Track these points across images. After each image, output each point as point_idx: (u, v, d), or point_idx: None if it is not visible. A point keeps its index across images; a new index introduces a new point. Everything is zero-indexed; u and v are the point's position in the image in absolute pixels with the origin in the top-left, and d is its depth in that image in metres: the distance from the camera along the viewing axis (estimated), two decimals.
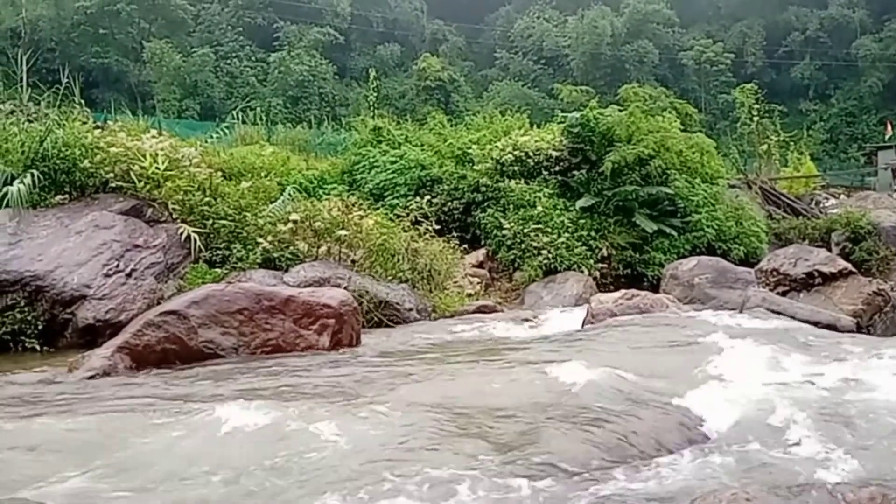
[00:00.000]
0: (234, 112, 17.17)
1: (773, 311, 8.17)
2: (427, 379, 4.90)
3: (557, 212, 12.72)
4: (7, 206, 7.84)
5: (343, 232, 9.06)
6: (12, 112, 9.85)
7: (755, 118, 23.67)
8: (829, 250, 12.40)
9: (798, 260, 9.49)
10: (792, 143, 25.69)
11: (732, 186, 16.62)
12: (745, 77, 42.63)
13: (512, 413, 3.86)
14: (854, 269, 9.62)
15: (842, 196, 24.03)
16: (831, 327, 7.75)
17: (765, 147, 23.16)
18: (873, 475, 3.11)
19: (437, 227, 11.33)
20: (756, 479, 3.07)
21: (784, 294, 9.15)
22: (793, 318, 7.98)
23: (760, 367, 4.93)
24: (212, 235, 8.62)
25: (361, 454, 3.27)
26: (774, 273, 9.50)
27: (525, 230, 12.26)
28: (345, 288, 7.56)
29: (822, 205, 20.74)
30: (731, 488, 2.80)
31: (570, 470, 3.17)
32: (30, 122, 9.36)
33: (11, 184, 7.95)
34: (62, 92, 10.59)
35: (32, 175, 8.08)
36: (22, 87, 11.45)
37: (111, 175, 8.65)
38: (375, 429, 3.59)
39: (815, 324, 7.79)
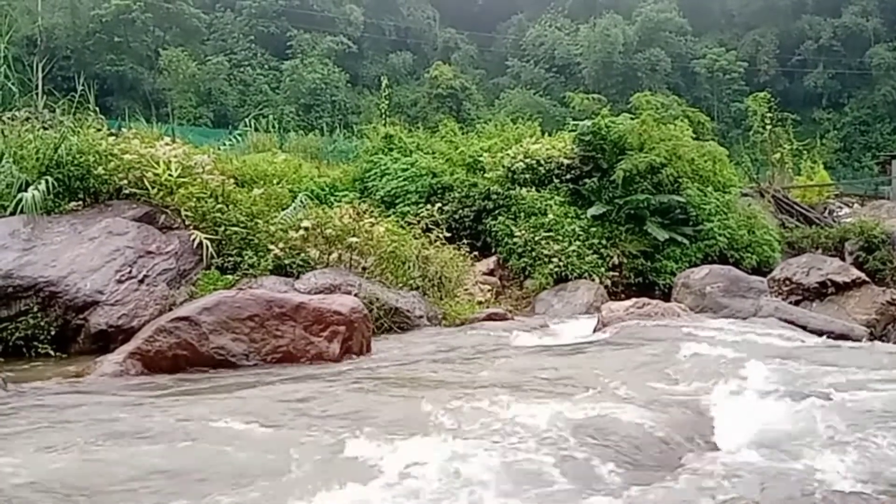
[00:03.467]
0: (246, 119, 17.29)
1: (785, 321, 8.14)
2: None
3: (568, 220, 12.71)
4: (21, 212, 7.91)
5: (354, 239, 9.08)
6: (27, 119, 9.93)
7: (768, 127, 23.58)
8: (843, 259, 12.32)
9: (811, 269, 9.44)
10: (805, 152, 25.59)
11: (745, 195, 16.56)
12: (758, 85, 42.48)
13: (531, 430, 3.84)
14: (867, 279, 9.57)
15: (855, 205, 23.85)
16: (844, 337, 7.72)
17: (778, 155, 23.07)
18: (888, 486, 3.09)
19: (448, 234, 11.34)
20: (770, 489, 3.05)
21: (797, 303, 9.11)
22: (805, 327, 7.94)
23: (775, 376, 4.90)
24: (224, 242, 8.66)
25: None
26: (787, 282, 9.45)
27: (536, 238, 12.25)
28: (355, 295, 7.58)
29: (835, 214, 20.63)
30: (742, 498, 2.78)
31: (576, 484, 3.15)
32: (45, 129, 9.43)
33: (26, 190, 8.02)
34: (77, 99, 10.68)
35: (47, 181, 8.15)
36: (37, 94, 11.56)
37: (125, 182, 8.71)
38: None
39: (829, 333, 7.75)
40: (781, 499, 2.79)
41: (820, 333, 7.73)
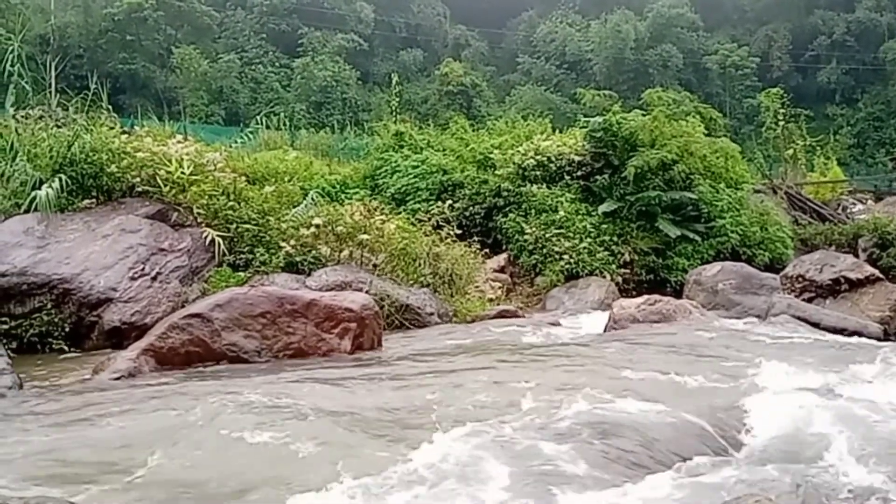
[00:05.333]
0: (258, 117, 17.35)
1: (798, 318, 8.08)
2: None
3: (579, 217, 12.67)
4: (35, 209, 7.97)
5: (365, 236, 9.10)
6: (41, 117, 10.01)
7: (781, 123, 23.43)
8: (856, 256, 12.21)
9: (824, 266, 9.38)
10: (818, 148, 25.38)
11: (758, 191, 16.45)
12: (771, 81, 42.15)
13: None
14: (881, 276, 9.50)
15: (869, 201, 23.63)
16: (858, 334, 7.66)
17: (791, 152, 22.91)
18: None
19: (459, 231, 11.33)
20: (788, 486, 3.05)
21: (810, 300, 9.05)
22: (818, 325, 7.89)
23: (791, 376, 4.87)
24: (235, 239, 8.70)
25: None
26: (800, 279, 9.40)
27: (547, 235, 12.23)
28: (366, 292, 7.59)
29: (848, 210, 20.46)
30: (756, 495, 2.78)
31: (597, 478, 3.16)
32: (58, 127, 9.50)
33: (40, 188, 8.08)
34: (90, 98, 10.75)
35: (60, 179, 8.21)
36: (50, 92, 11.64)
37: (137, 179, 8.77)
38: None
39: (842, 331, 7.70)
40: (797, 496, 2.78)
41: (833, 331, 7.69)
